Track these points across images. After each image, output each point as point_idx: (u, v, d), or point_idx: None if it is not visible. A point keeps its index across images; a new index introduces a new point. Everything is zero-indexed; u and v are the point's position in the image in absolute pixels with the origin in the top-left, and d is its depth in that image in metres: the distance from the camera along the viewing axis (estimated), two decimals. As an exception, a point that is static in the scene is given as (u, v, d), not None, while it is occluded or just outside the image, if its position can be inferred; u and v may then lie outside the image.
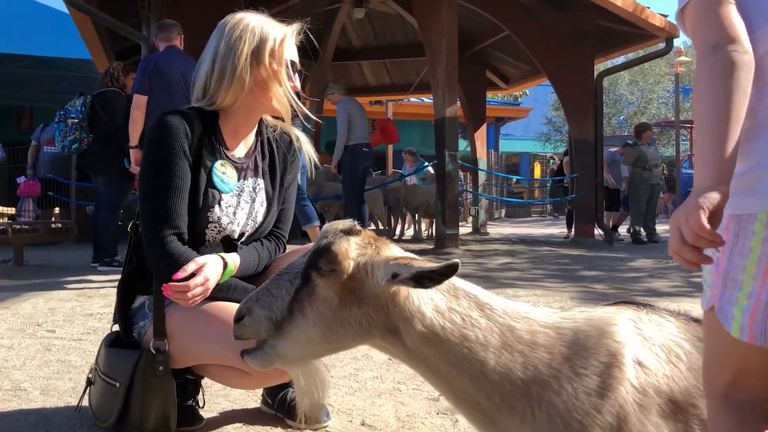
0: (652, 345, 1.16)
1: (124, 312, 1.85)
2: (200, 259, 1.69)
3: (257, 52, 1.81)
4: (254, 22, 1.85)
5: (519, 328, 1.19)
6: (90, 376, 1.89)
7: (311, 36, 1.97)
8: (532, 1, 8.55)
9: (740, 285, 0.96)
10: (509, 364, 1.16)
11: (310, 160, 2.06)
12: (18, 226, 6.36)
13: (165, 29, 5.29)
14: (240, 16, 1.87)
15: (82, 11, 7.12)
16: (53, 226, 6.91)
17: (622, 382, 1.11)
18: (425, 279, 1.13)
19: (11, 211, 9.79)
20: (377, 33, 11.37)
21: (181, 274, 1.63)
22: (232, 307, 1.71)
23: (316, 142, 11.37)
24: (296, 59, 1.92)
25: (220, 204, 1.84)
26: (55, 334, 3.25)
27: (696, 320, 1.25)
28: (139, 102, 5.01)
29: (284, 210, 2.03)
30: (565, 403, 1.11)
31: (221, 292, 1.76)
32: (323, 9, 9.95)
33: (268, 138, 2.00)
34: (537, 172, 23.52)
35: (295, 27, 1.91)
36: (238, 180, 1.89)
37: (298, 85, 1.92)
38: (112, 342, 1.86)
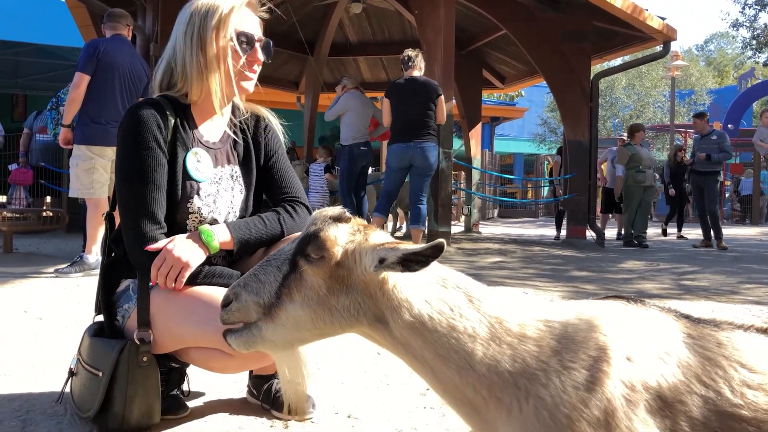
0: (642, 340, 1.15)
1: (107, 298, 1.83)
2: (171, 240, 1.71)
3: (203, 35, 1.75)
4: (199, 2, 1.79)
5: (508, 320, 1.17)
6: (72, 367, 1.86)
7: (298, 28, 1.91)
8: (529, 1, 8.54)
9: None
10: (497, 356, 1.14)
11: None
12: (9, 214, 6.29)
13: (112, 18, 5.22)
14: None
15: (78, -1, 7.07)
16: (44, 214, 6.84)
17: (610, 377, 1.10)
18: (412, 261, 1.12)
19: (2, 198, 9.73)
20: (374, 29, 11.33)
21: (152, 248, 1.66)
22: (214, 290, 1.70)
23: (309, 137, 11.38)
24: (253, 30, 1.82)
25: (198, 194, 1.81)
26: (42, 322, 3.22)
27: (686, 316, 1.25)
28: (82, 81, 4.84)
29: (283, 176, 1.95)
30: (552, 397, 1.10)
31: (206, 279, 1.74)
32: (320, 3, 9.92)
33: (240, 122, 1.94)
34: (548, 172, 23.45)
35: None
36: (214, 167, 1.85)
37: (261, 56, 1.84)
38: (95, 332, 1.83)
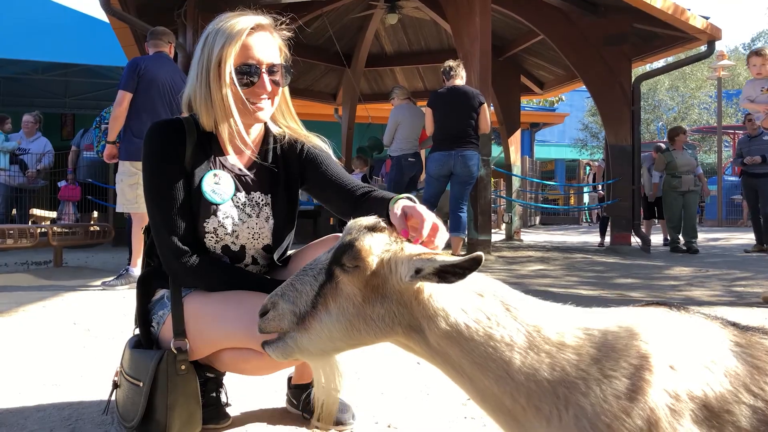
0: (686, 348, 1.12)
1: (143, 306, 1.86)
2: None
3: (208, 68, 1.71)
4: (213, 27, 1.73)
5: (546, 328, 1.15)
6: (116, 379, 1.90)
7: (335, 41, 1.83)
8: (566, 5, 8.44)
9: None
10: (535, 364, 1.12)
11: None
12: (59, 229, 6.51)
13: (154, 36, 5.35)
14: (214, 21, 1.75)
15: (122, 20, 7.30)
16: (91, 229, 7.05)
17: (652, 386, 1.06)
18: (448, 273, 1.11)
19: (52, 214, 10.08)
20: (410, 38, 11.37)
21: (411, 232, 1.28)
22: (244, 292, 1.72)
23: (347, 149, 11.46)
24: (264, 57, 1.73)
25: (216, 214, 1.80)
26: (91, 333, 3.31)
27: (733, 324, 1.20)
28: (124, 98, 4.99)
29: (342, 177, 1.86)
30: (593, 406, 1.07)
31: (245, 286, 1.76)
32: (356, 15, 10.00)
33: (275, 148, 1.90)
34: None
35: (260, 20, 1.74)
36: (237, 191, 1.84)
37: (267, 86, 1.74)
38: (135, 344, 1.86)
